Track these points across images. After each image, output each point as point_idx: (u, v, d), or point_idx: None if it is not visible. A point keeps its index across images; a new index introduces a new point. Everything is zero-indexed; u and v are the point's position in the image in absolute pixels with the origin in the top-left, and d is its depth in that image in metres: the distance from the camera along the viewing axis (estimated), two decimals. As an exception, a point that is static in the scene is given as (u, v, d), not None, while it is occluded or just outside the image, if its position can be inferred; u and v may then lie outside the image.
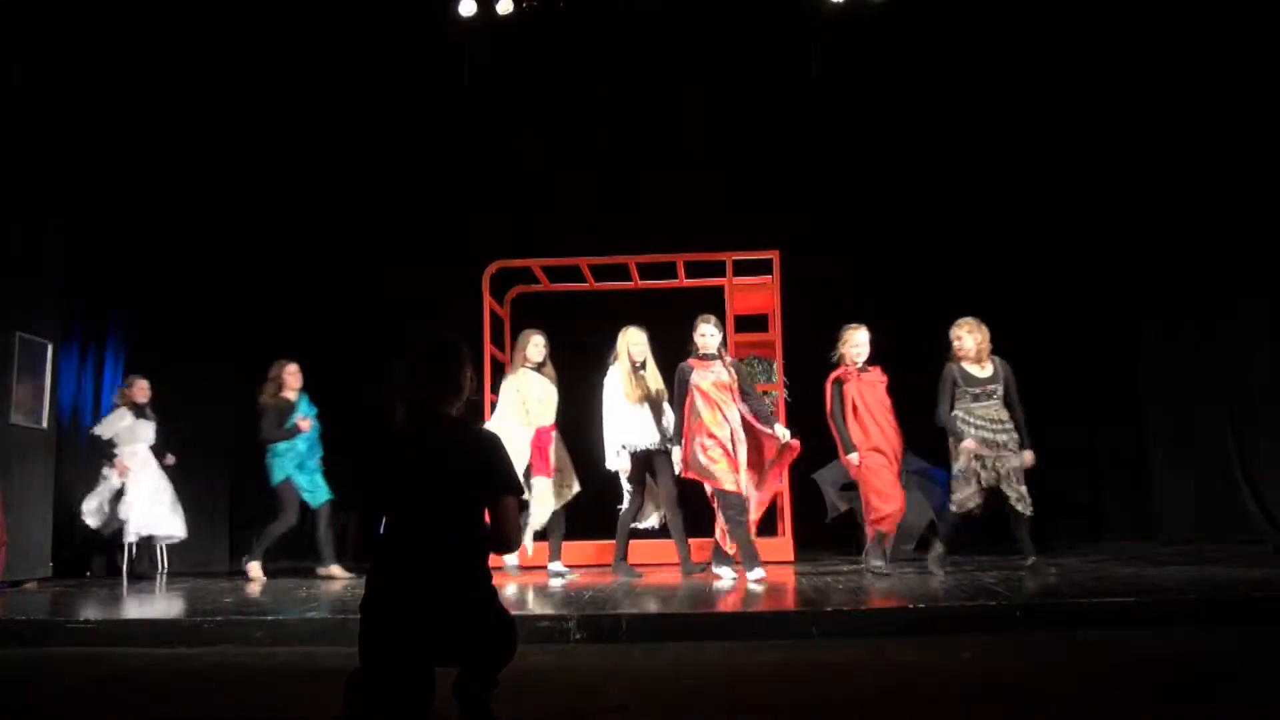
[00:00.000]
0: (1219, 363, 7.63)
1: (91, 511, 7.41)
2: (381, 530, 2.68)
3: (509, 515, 2.69)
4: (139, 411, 7.54)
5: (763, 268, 8.11)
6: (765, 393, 7.59)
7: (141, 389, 7.59)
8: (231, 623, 4.62)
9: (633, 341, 6.50)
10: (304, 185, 9.06)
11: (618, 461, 6.42)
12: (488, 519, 2.72)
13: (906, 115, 8.65)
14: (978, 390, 5.96)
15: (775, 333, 7.97)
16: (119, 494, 7.41)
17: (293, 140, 8.99)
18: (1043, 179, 8.59)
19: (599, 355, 6.89)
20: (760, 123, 8.84)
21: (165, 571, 7.83)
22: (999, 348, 6.10)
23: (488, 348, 7.90)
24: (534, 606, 5.03)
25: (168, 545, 7.83)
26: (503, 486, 2.71)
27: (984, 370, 5.99)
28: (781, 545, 7.36)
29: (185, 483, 7.88)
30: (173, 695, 3.52)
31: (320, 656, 4.03)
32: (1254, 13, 7.07)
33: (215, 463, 8.79)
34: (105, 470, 7.46)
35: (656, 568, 6.88)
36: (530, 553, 6.77)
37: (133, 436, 7.48)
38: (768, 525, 7.28)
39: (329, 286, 8.91)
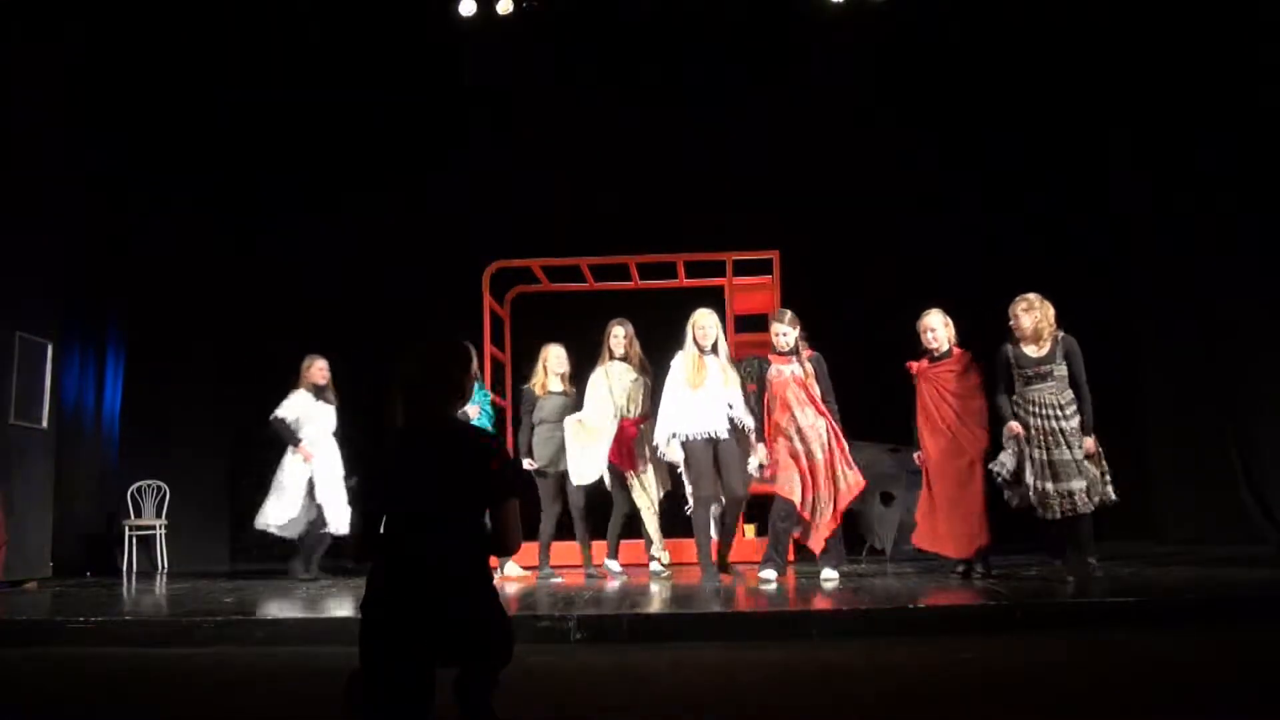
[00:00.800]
0: (1219, 363, 7.63)
1: (279, 521, 6.76)
2: (382, 530, 2.68)
3: (510, 517, 2.68)
4: (318, 393, 6.99)
5: (763, 268, 8.11)
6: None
7: (320, 370, 6.98)
8: (231, 623, 4.62)
9: (697, 325, 6.02)
10: (304, 185, 9.07)
11: (669, 450, 6.02)
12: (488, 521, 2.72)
13: (906, 115, 8.66)
14: (1030, 372, 5.58)
15: (776, 333, 7.95)
16: (310, 488, 6.79)
17: (292, 140, 9.00)
18: (1043, 178, 8.62)
19: (597, 355, 6.87)
20: (760, 123, 8.84)
21: (165, 571, 7.83)
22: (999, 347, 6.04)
23: (488, 348, 7.89)
24: (534, 607, 5.03)
25: (166, 545, 7.83)
26: (504, 489, 2.70)
27: (1040, 350, 5.59)
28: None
29: (186, 483, 7.87)
30: (173, 695, 3.51)
31: (320, 656, 4.02)
32: (1254, 11, 7.07)
33: (216, 462, 8.81)
34: (287, 459, 6.83)
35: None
36: (668, 556, 6.62)
37: (311, 420, 6.91)
38: (767, 526, 7.26)
39: (329, 286, 8.91)
